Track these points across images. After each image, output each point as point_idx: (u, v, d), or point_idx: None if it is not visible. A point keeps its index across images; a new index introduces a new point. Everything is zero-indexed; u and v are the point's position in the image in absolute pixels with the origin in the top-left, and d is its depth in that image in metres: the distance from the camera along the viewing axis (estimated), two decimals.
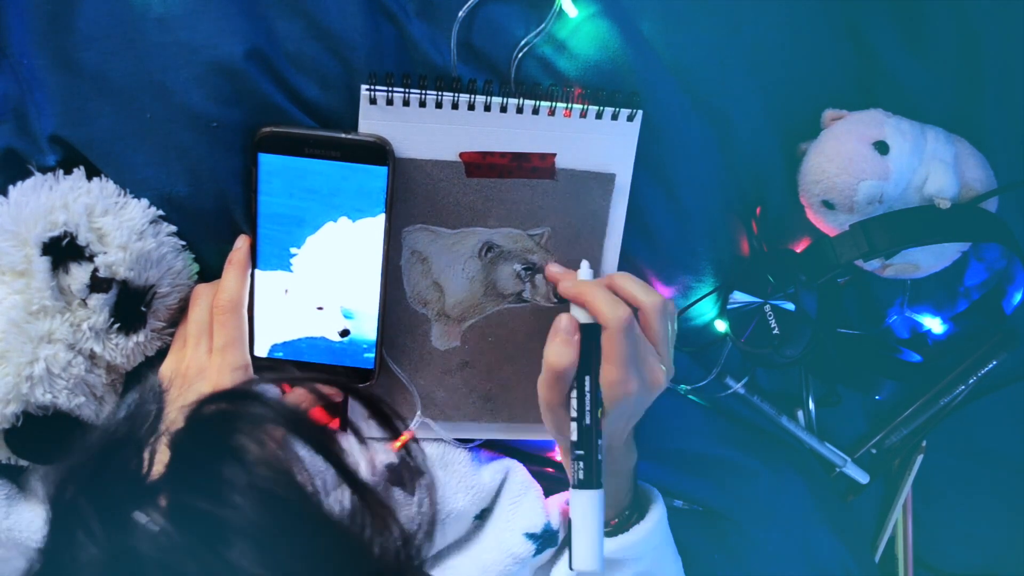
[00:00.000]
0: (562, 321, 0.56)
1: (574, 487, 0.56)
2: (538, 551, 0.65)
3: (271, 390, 0.62)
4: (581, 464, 0.55)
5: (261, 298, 0.60)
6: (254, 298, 0.60)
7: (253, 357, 0.60)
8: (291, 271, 0.59)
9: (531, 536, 0.64)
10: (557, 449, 0.67)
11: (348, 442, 0.65)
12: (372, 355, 0.62)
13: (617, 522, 0.63)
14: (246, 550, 0.31)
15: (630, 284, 0.57)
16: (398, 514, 0.38)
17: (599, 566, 0.55)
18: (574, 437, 0.56)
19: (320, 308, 0.61)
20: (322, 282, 0.60)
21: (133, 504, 0.32)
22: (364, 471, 0.44)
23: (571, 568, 0.55)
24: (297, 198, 0.57)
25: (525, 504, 0.66)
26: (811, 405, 0.75)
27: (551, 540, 0.66)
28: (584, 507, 0.55)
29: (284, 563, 0.32)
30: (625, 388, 0.55)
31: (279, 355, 0.62)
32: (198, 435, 0.34)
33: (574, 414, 0.56)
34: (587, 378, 0.55)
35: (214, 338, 0.57)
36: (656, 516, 0.64)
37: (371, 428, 0.66)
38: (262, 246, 0.59)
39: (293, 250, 0.59)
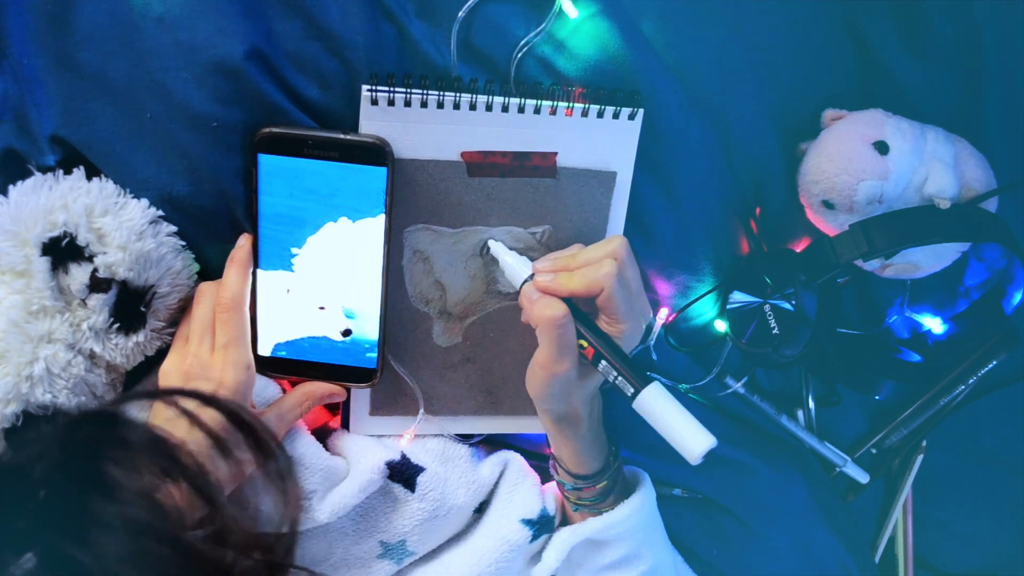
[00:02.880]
0: (529, 289, 0.57)
1: (635, 398, 0.55)
2: (534, 537, 0.65)
3: (271, 388, 0.62)
4: (624, 378, 0.55)
5: (264, 298, 0.60)
6: (256, 298, 0.60)
7: (256, 356, 0.61)
8: (292, 271, 0.59)
9: (527, 522, 0.65)
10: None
11: (345, 440, 0.66)
12: (374, 355, 0.62)
13: (607, 484, 0.64)
14: None
15: (590, 251, 0.57)
16: (260, 536, 0.37)
17: (712, 439, 0.53)
18: (606, 363, 0.56)
19: (322, 308, 0.61)
20: (323, 282, 0.60)
21: (13, 543, 0.32)
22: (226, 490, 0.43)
23: (692, 461, 0.53)
24: (297, 198, 0.57)
25: (521, 491, 0.66)
26: (811, 405, 0.75)
27: (547, 526, 0.66)
28: (657, 403, 0.54)
29: None
30: (624, 328, 0.56)
31: (282, 354, 0.62)
32: (68, 464, 0.33)
33: (589, 354, 0.56)
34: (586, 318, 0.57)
35: (217, 336, 0.57)
36: (642, 495, 0.65)
37: (372, 427, 0.66)
38: (263, 246, 0.59)
39: (294, 250, 0.59)
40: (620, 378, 0.55)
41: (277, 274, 0.60)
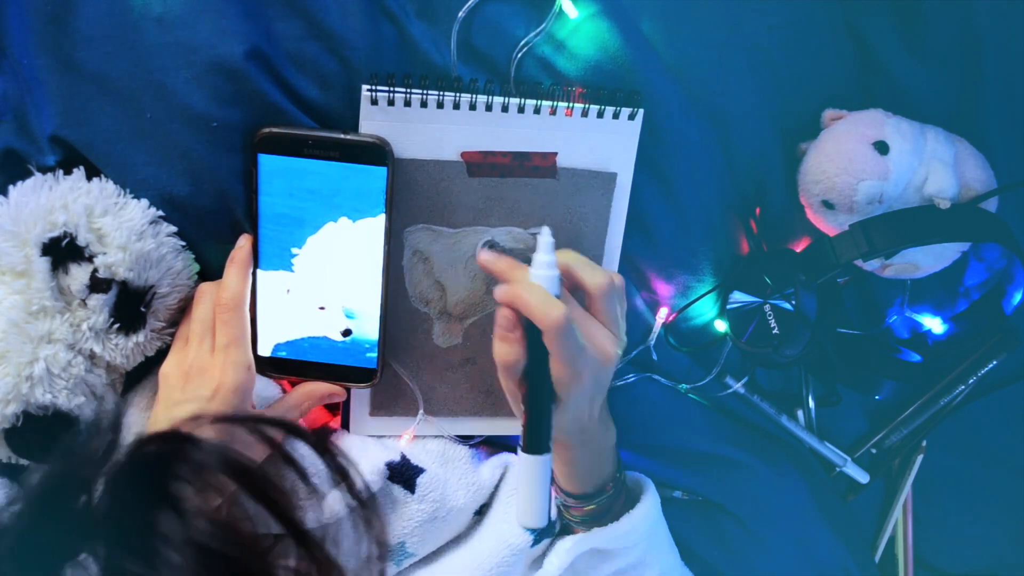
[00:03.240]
0: (500, 318, 0.55)
1: (522, 451, 0.56)
2: (535, 541, 0.65)
3: (270, 388, 0.62)
4: (527, 431, 0.56)
5: (264, 298, 0.60)
6: (256, 298, 0.60)
7: (256, 356, 0.61)
8: (292, 271, 0.59)
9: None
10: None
11: (345, 440, 0.66)
12: (375, 355, 0.62)
13: (596, 508, 0.63)
14: None
15: (576, 266, 0.55)
16: (345, 570, 0.36)
17: (543, 521, 0.57)
18: (524, 420, 0.57)
19: (322, 308, 0.61)
20: (324, 282, 0.60)
21: (69, 553, 0.31)
22: (312, 520, 0.42)
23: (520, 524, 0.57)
24: (297, 198, 0.57)
25: None
26: (811, 405, 0.75)
27: (548, 530, 0.66)
28: (530, 470, 0.56)
29: None
30: (575, 380, 0.54)
31: (282, 354, 0.62)
32: (135, 479, 0.33)
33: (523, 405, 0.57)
34: (535, 372, 0.55)
35: (217, 336, 0.57)
36: (647, 505, 0.64)
37: (372, 427, 0.66)
38: (263, 246, 0.59)
39: (294, 250, 0.59)
40: (524, 429, 0.56)
41: (277, 274, 0.60)
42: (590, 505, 0.62)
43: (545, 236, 0.55)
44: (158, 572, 0.30)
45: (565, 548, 0.64)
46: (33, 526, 0.32)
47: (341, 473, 0.40)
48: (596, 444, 0.61)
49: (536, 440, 0.56)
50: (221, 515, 0.32)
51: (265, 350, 0.62)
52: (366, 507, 0.39)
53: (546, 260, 0.55)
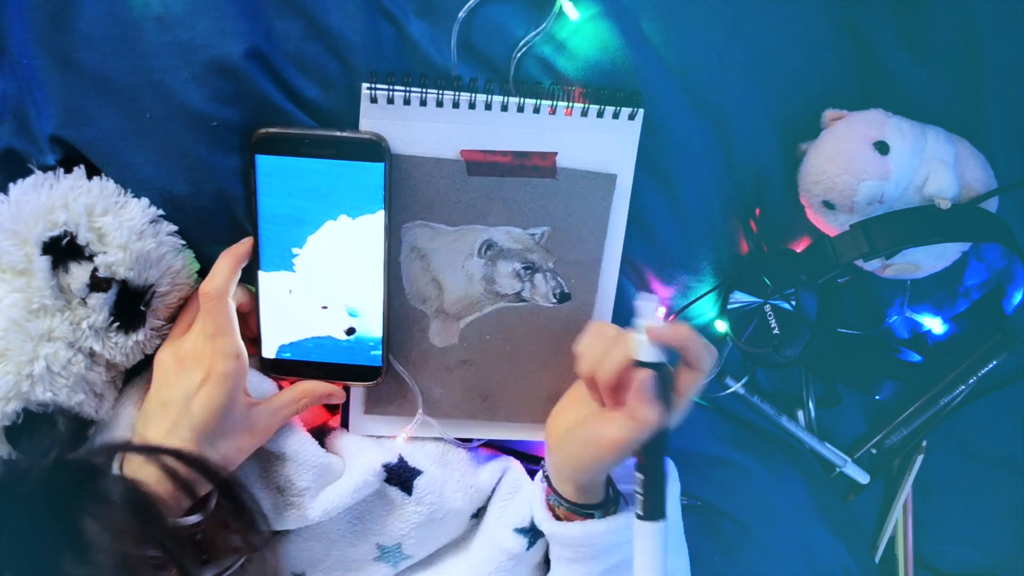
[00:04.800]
0: (646, 381, 0.52)
1: (640, 518, 0.53)
2: (530, 544, 0.64)
3: (267, 384, 0.62)
4: (642, 495, 0.53)
5: (266, 299, 0.60)
6: (259, 299, 0.60)
7: (262, 359, 0.61)
8: (294, 271, 0.59)
9: (520, 531, 0.64)
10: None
11: (344, 439, 0.65)
12: (379, 352, 0.62)
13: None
14: None
15: (692, 345, 0.53)
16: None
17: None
18: (640, 480, 0.53)
19: (325, 307, 0.61)
20: (325, 281, 0.60)
21: None
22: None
23: None
24: (297, 198, 0.57)
25: (516, 500, 0.66)
26: (811, 405, 0.75)
27: (540, 532, 0.65)
28: (650, 540, 0.52)
29: None
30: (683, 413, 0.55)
31: (287, 356, 0.62)
32: (45, 516, 0.33)
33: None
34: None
35: (204, 326, 0.57)
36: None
37: (371, 427, 0.66)
38: (264, 247, 0.59)
39: (295, 250, 0.59)
40: (642, 497, 0.53)
41: (279, 275, 0.60)
42: (590, 514, 0.60)
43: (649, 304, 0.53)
44: None
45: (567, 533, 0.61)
46: None
47: (239, 513, 0.40)
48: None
49: (655, 506, 0.53)
50: (125, 549, 0.32)
51: (270, 352, 0.62)
52: (261, 551, 0.40)
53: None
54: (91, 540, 0.32)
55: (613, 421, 0.52)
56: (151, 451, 0.47)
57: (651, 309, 0.53)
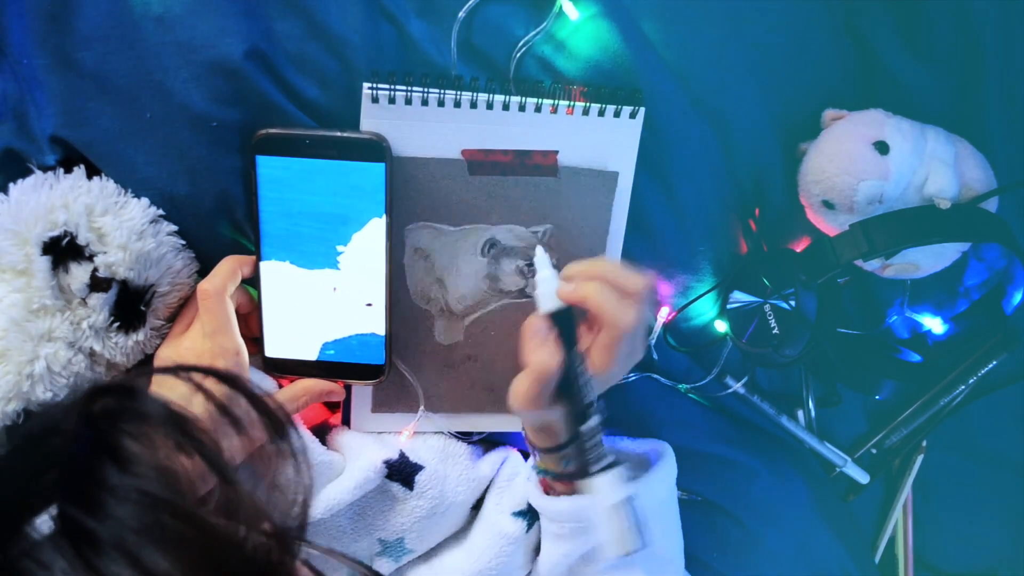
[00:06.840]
0: (537, 325, 0.54)
1: (590, 475, 0.53)
2: (529, 526, 0.65)
3: (267, 382, 0.62)
4: (590, 453, 0.53)
5: (306, 298, 0.60)
6: (260, 299, 0.60)
7: (264, 358, 0.61)
8: (338, 269, 0.59)
9: (519, 514, 0.65)
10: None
11: (345, 436, 0.65)
12: (382, 351, 0.62)
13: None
14: (122, 560, 0.31)
15: (622, 278, 0.54)
16: (271, 513, 0.37)
17: (639, 541, 0.52)
18: (570, 432, 0.54)
19: (369, 304, 0.61)
20: (367, 279, 0.60)
21: (28, 512, 0.32)
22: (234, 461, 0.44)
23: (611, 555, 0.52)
24: (297, 198, 0.57)
25: (513, 484, 0.66)
26: (811, 405, 0.75)
27: (537, 513, 0.65)
28: (609, 491, 0.52)
29: (160, 569, 0.31)
30: (620, 372, 0.56)
31: (330, 353, 0.62)
32: (86, 435, 0.34)
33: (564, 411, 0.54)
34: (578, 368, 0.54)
35: (203, 325, 0.57)
36: (660, 471, 0.63)
37: (373, 423, 0.66)
38: (265, 247, 0.59)
39: (340, 248, 0.59)
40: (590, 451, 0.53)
41: (324, 272, 0.59)
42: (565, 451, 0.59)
43: (541, 254, 0.56)
44: (107, 525, 0.31)
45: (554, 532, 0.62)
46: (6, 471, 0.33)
47: (265, 413, 0.41)
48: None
49: (594, 458, 0.53)
50: (165, 463, 0.33)
51: (312, 353, 0.61)
52: (295, 457, 0.41)
53: (548, 274, 0.55)
54: (134, 453, 0.33)
55: (521, 374, 0.54)
56: (182, 370, 0.48)
57: (544, 261, 0.55)
